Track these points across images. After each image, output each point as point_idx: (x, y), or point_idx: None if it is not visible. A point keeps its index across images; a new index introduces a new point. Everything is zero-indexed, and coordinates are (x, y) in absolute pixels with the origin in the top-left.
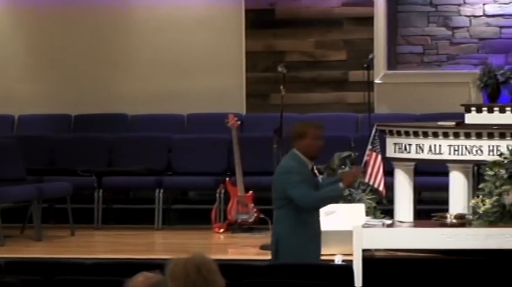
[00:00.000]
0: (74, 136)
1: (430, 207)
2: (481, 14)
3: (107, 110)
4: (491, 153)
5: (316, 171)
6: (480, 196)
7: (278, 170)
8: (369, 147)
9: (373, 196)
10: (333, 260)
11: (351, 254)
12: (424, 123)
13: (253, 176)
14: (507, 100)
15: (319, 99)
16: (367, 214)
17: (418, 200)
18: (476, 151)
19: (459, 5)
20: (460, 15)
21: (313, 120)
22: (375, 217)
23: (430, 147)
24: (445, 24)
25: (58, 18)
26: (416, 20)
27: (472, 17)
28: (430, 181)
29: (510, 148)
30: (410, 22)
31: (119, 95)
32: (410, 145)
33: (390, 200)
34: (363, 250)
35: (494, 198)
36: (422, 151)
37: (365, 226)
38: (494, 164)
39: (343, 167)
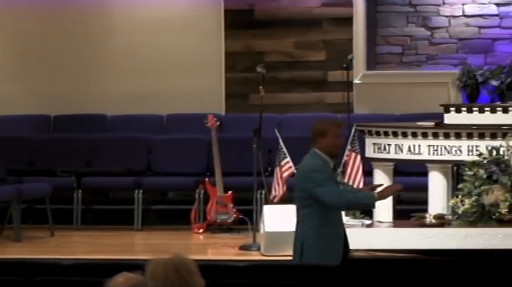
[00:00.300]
0: (53, 137)
1: (409, 207)
2: (460, 14)
3: (87, 111)
4: (470, 153)
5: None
6: (459, 196)
7: (302, 169)
8: (348, 147)
9: None
10: None
11: None
12: (403, 124)
13: (233, 176)
14: (486, 101)
15: (298, 100)
16: (347, 214)
17: (397, 200)
18: (455, 151)
19: (438, 5)
20: (439, 15)
21: (333, 119)
22: (354, 217)
23: (409, 147)
24: (424, 25)
25: (37, 18)
26: (395, 20)
27: (451, 18)
28: (409, 181)
29: (489, 148)
30: (389, 23)
31: (98, 96)
32: (389, 145)
33: None
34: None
35: (473, 198)
36: (401, 151)
37: (345, 226)
38: (473, 164)
39: None
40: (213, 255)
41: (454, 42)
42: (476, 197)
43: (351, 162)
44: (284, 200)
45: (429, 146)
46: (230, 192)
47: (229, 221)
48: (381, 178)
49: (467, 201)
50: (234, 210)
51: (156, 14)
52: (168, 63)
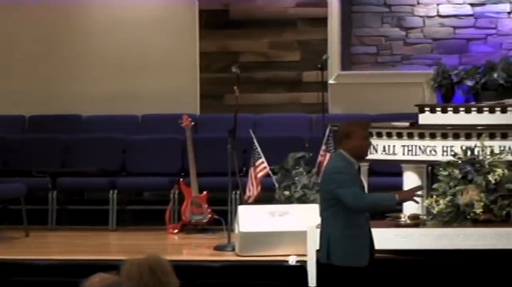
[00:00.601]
0: (28, 137)
1: None
2: (435, 14)
3: (61, 111)
4: (445, 153)
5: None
6: (434, 196)
7: (326, 170)
8: (323, 147)
9: None
10: (287, 261)
11: (305, 255)
12: (378, 124)
13: (207, 176)
14: (461, 101)
15: (273, 100)
16: None
17: None
18: (430, 151)
19: (413, 5)
20: (414, 15)
21: (360, 120)
22: None
23: (384, 147)
24: (399, 25)
25: (11, 17)
26: (370, 20)
27: (426, 18)
28: (384, 181)
29: (464, 148)
30: (364, 23)
31: (73, 96)
32: None
33: None
34: (317, 251)
35: (448, 198)
36: (376, 151)
37: (319, 226)
38: (448, 164)
39: (297, 167)
40: (188, 255)
41: (429, 42)
42: (451, 197)
43: (325, 162)
44: (258, 200)
45: (403, 146)
46: (205, 192)
47: (204, 221)
48: None
49: (442, 201)
50: (209, 210)
51: (131, 14)
52: (143, 64)
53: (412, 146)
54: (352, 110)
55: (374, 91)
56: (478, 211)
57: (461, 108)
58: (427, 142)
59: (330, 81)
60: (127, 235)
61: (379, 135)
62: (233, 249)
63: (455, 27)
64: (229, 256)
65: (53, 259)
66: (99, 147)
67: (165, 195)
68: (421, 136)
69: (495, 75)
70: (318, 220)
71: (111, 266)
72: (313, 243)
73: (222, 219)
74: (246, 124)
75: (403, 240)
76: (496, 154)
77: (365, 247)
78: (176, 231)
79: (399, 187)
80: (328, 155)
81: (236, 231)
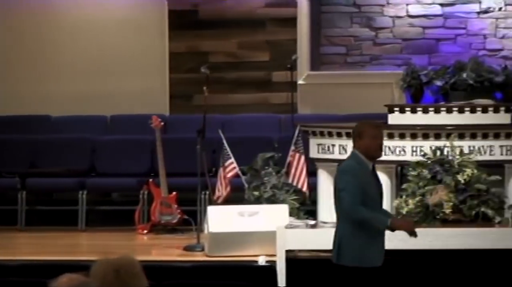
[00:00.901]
0: None
1: None
2: (405, 14)
3: (30, 111)
4: (414, 154)
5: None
6: (403, 197)
7: (338, 168)
8: (292, 147)
9: (296, 197)
10: (256, 261)
11: (274, 255)
12: (348, 124)
13: (177, 177)
14: (431, 101)
15: (242, 100)
16: (291, 214)
17: None
18: (399, 151)
19: (383, 5)
20: (384, 15)
21: (372, 120)
22: (298, 217)
23: None
24: (369, 25)
25: None
26: (340, 20)
27: (395, 18)
28: None
29: (433, 148)
30: (333, 23)
31: (42, 97)
32: (333, 145)
33: (314, 201)
34: (287, 251)
35: (417, 199)
36: (346, 151)
37: (289, 226)
38: (417, 164)
39: (266, 167)
40: (157, 256)
41: (398, 42)
42: (420, 197)
43: (295, 163)
44: (228, 201)
45: None
46: (174, 193)
47: (173, 221)
48: (325, 179)
49: (411, 201)
50: (178, 210)
51: (100, 15)
52: (112, 64)
53: None
54: (321, 111)
55: (343, 92)
56: (447, 211)
57: (430, 109)
58: (396, 142)
59: (299, 81)
60: (96, 235)
61: (349, 135)
62: (203, 249)
63: (424, 27)
64: (198, 256)
65: (22, 260)
66: (68, 147)
67: (134, 195)
68: (391, 136)
69: (465, 75)
70: (286, 220)
71: (80, 267)
72: (283, 243)
73: (192, 220)
74: (216, 124)
75: None
76: (466, 154)
77: (377, 249)
78: (145, 231)
79: None
80: (297, 155)
81: (206, 231)
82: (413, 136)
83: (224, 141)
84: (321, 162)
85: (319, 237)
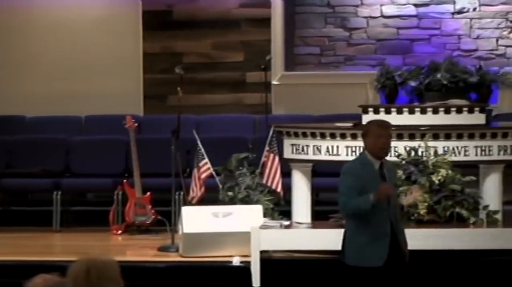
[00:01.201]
0: None
1: (327, 208)
2: (379, 15)
3: (4, 112)
4: (388, 154)
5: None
6: None
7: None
8: (267, 148)
9: (270, 197)
10: (231, 261)
11: (249, 255)
12: (322, 124)
13: (151, 177)
14: (405, 101)
15: (216, 101)
16: (265, 215)
17: (315, 201)
18: None
19: (357, 6)
20: (358, 16)
21: (379, 119)
22: (272, 218)
23: (327, 148)
24: (343, 25)
25: None
26: (314, 21)
27: (369, 18)
28: (328, 182)
29: (407, 148)
30: (307, 23)
31: (16, 97)
32: (307, 146)
33: (288, 201)
34: (261, 251)
35: None
36: (320, 152)
37: (263, 227)
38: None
39: (240, 168)
40: (131, 256)
41: (372, 43)
42: None
43: (269, 163)
44: (202, 201)
45: (347, 147)
46: (148, 193)
47: (147, 222)
48: (300, 179)
49: None
50: (153, 211)
51: (74, 15)
52: (86, 64)
53: (355, 146)
54: (295, 111)
55: (317, 92)
56: (422, 211)
57: (404, 109)
58: None
59: (274, 82)
60: (71, 236)
61: (323, 136)
62: (177, 250)
63: (398, 28)
64: (173, 257)
65: None
66: (43, 147)
67: (108, 196)
68: None
69: (439, 75)
70: (261, 220)
71: (54, 267)
72: (257, 243)
73: (166, 220)
74: (190, 125)
75: None
76: (440, 155)
77: (380, 249)
78: (119, 232)
79: None
80: (271, 156)
81: (180, 232)
82: None
83: (199, 142)
84: (295, 163)
85: (294, 238)
